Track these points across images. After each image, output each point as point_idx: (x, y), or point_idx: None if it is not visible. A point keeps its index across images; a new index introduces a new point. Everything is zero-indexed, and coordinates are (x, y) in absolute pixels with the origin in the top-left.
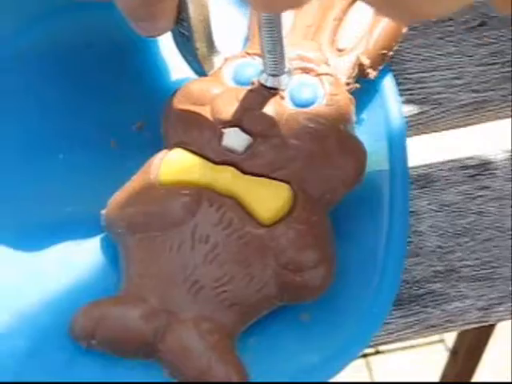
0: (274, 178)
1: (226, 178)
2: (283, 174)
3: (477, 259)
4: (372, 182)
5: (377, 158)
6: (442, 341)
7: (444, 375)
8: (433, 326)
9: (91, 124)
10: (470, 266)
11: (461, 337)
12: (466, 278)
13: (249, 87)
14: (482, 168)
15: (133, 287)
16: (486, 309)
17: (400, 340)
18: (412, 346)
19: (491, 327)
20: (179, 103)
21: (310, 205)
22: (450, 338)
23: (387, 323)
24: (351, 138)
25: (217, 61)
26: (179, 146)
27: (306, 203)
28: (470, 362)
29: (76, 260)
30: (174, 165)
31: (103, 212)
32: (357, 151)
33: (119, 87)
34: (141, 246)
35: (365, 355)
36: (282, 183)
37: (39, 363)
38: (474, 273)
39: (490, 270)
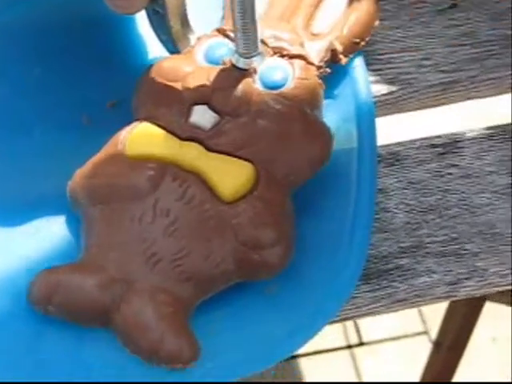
0: (238, 157)
1: (191, 154)
2: (247, 152)
3: (444, 235)
4: (340, 158)
5: (346, 137)
6: (425, 332)
7: (428, 367)
8: (401, 301)
9: (65, 102)
10: (437, 241)
11: (444, 328)
12: (433, 254)
13: (220, 67)
14: (450, 146)
15: (92, 256)
16: (454, 283)
17: (368, 314)
18: (396, 338)
19: (474, 318)
20: (150, 79)
21: (272, 184)
22: (434, 329)
23: (355, 297)
24: (317, 121)
25: (191, 39)
26: (148, 121)
27: (268, 183)
28: (453, 354)
29: (42, 232)
30: (140, 138)
31: (69, 183)
32: (322, 135)
33: (93, 65)
34: (102, 217)
35: (349, 346)
36: (245, 162)
37: (6, 334)
38: (442, 248)
39: (457, 246)
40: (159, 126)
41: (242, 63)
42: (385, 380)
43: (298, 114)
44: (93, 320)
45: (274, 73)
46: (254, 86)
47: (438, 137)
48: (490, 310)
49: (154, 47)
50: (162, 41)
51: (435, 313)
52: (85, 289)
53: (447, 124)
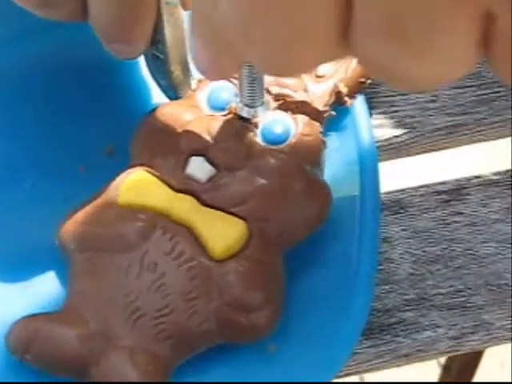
0: (232, 213)
1: (184, 207)
2: (242, 209)
3: (449, 287)
4: (342, 207)
5: (348, 184)
6: None
7: None
8: (404, 356)
9: (60, 148)
10: (442, 294)
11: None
12: (438, 307)
13: (221, 116)
14: (454, 193)
15: (73, 306)
16: (459, 338)
17: (370, 370)
18: None
19: None
20: (149, 126)
21: (264, 244)
22: None
23: (357, 353)
24: (317, 180)
25: (191, 84)
26: (143, 169)
27: (260, 242)
28: (462, 377)
29: (31, 283)
30: (133, 186)
31: (59, 229)
32: (321, 195)
33: (91, 110)
34: (88, 265)
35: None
36: (239, 219)
37: None
38: (447, 301)
39: (462, 299)
40: (154, 174)
41: (245, 113)
42: None
43: (298, 171)
44: (70, 372)
45: (276, 127)
46: (254, 139)
47: (443, 183)
48: None
49: (155, 92)
50: (161, 86)
51: None
52: (64, 340)
53: (452, 169)
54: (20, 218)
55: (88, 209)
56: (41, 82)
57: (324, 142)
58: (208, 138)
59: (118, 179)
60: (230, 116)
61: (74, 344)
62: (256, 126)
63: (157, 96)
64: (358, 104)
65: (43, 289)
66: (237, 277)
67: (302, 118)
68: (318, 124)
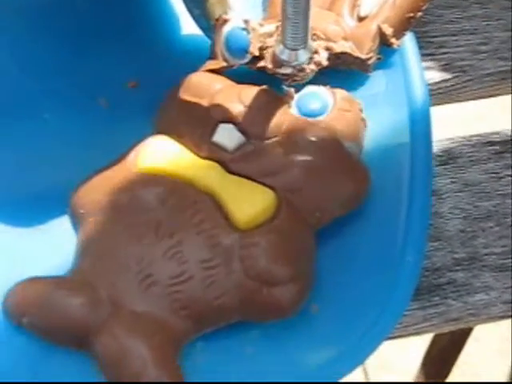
0: (261, 184)
1: (208, 174)
2: (271, 181)
3: (503, 246)
4: (391, 156)
5: (397, 130)
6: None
7: (432, 344)
8: (453, 320)
9: (79, 81)
10: (495, 253)
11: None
12: (490, 267)
13: (253, 87)
14: (509, 145)
15: (81, 271)
16: None
17: (417, 334)
18: None
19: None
20: (177, 92)
21: (294, 217)
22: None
23: (403, 315)
24: (355, 159)
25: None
26: (167, 135)
27: (290, 214)
28: (459, 332)
29: (40, 232)
30: (155, 151)
31: (71, 193)
32: (358, 174)
33: (113, 41)
34: (100, 231)
35: None
36: (267, 189)
37: None
38: (500, 262)
39: None
40: (178, 141)
41: (286, 55)
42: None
43: (334, 146)
44: (69, 341)
45: (313, 99)
46: (288, 110)
47: (496, 133)
48: None
49: (183, 23)
50: (193, 16)
51: None
52: (67, 306)
53: (506, 118)
54: (35, 153)
55: (104, 173)
56: (61, 8)
57: (364, 120)
58: (239, 106)
59: (139, 144)
60: (263, 86)
61: (78, 311)
62: (291, 96)
63: (187, 27)
64: (408, 42)
65: (49, 236)
66: (262, 248)
67: (340, 93)
68: (358, 101)
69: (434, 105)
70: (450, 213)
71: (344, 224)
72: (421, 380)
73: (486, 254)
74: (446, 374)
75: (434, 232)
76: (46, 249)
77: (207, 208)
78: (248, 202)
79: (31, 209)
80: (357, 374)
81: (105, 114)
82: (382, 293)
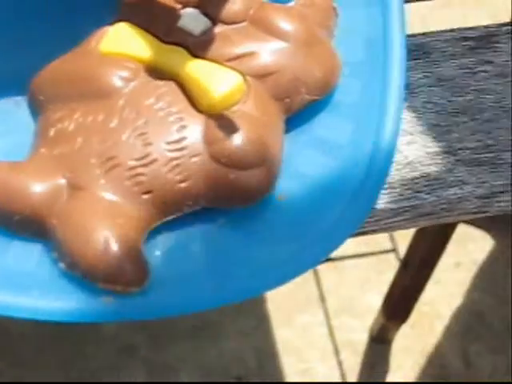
0: (229, 67)
1: (173, 58)
2: (239, 65)
3: (477, 141)
4: (365, 46)
5: (370, 21)
6: (393, 250)
7: (393, 285)
8: (426, 215)
9: None
10: (469, 148)
11: (413, 249)
12: (464, 162)
13: None
14: (483, 41)
15: (39, 156)
16: (487, 197)
17: (389, 229)
18: (363, 255)
19: (444, 240)
20: None
21: (263, 103)
22: (402, 248)
23: (374, 208)
24: (325, 43)
25: None
26: (130, 22)
27: (259, 100)
28: (421, 273)
29: None
30: (118, 36)
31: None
32: (328, 60)
33: None
34: (60, 117)
35: None
36: (235, 72)
37: None
38: (475, 156)
39: (492, 154)
40: (142, 28)
41: None
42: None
43: (304, 31)
44: (26, 227)
45: None
46: None
47: (471, 29)
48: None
49: None
50: None
51: (404, 231)
52: (23, 189)
53: (481, 14)
54: None
55: (65, 57)
56: None
57: (335, 8)
58: None
59: (101, 30)
60: None
61: (35, 195)
62: None
63: None
64: None
65: (7, 137)
66: (229, 130)
67: None
68: None
69: (408, 1)
70: (423, 107)
71: (314, 113)
72: (381, 320)
73: (460, 149)
74: (407, 315)
75: (406, 126)
76: (1, 134)
77: (173, 91)
78: (214, 84)
79: None
80: (318, 317)
81: (67, 2)
82: (352, 182)
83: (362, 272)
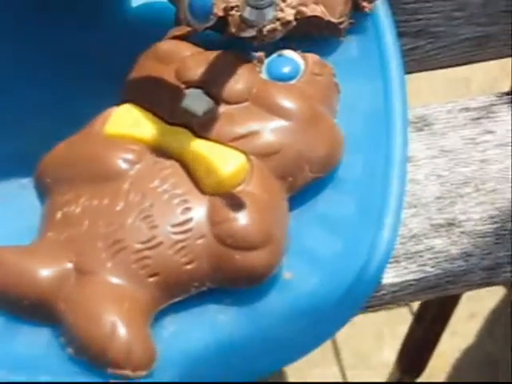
0: (232, 148)
1: (177, 139)
2: (243, 145)
3: (481, 212)
4: (367, 120)
5: (372, 98)
6: (407, 304)
7: (407, 339)
8: (431, 288)
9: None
10: (473, 219)
11: (425, 303)
12: (469, 234)
13: (220, 52)
14: (484, 111)
15: (46, 240)
16: (492, 268)
17: (394, 302)
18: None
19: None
20: (145, 59)
21: (267, 182)
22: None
23: (379, 282)
24: (327, 120)
25: None
26: (135, 103)
27: (261, 178)
28: (433, 328)
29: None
30: (123, 118)
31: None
32: (331, 138)
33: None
34: (66, 200)
35: None
36: (238, 152)
37: None
38: (479, 228)
39: (496, 225)
40: (146, 109)
41: (250, 14)
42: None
43: (306, 109)
44: (34, 312)
45: (283, 64)
46: (258, 74)
47: (471, 100)
48: None
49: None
50: None
51: None
52: (31, 275)
53: (481, 85)
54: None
55: (70, 140)
56: None
57: (336, 84)
58: (208, 70)
59: (106, 112)
60: (232, 51)
61: (43, 280)
62: (261, 61)
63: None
64: (380, 6)
65: (14, 220)
66: (233, 211)
67: (312, 57)
68: (330, 66)
69: (407, 72)
70: (426, 179)
71: (318, 190)
72: (396, 375)
73: (464, 221)
74: (422, 368)
75: (410, 199)
76: (8, 217)
77: (177, 173)
78: (218, 165)
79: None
80: (333, 370)
81: (71, 85)
82: (358, 259)
83: (375, 326)
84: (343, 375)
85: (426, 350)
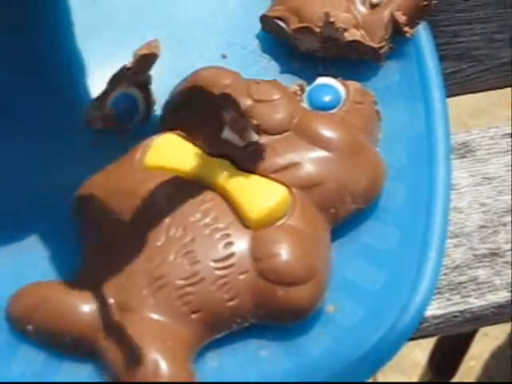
0: (274, 180)
1: (218, 171)
2: (284, 177)
3: None
4: (409, 148)
5: (413, 124)
6: None
7: (439, 341)
8: (475, 319)
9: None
10: None
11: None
12: None
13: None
14: None
15: (88, 274)
16: None
17: (437, 334)
18: None
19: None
20: (185, 87)
21: (309, 215)
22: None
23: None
24: (369, 150)
25: None
26: (175, 132)
27: (304, 212)
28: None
29: (41, 238)
30: (163, 149)
31: (78, 189)
32: (374, 168)
33: None
34: (106, 233)
35: None
36: (280, 185)
37: None
38: None
39: None
40: (187, 138)
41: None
42: None
43: (348, 139)
44: (76, 348)
45: (324, 92)
46: (299, 103)
47: None
48: None
49: None
50: None
51: None
52: (73, 311)
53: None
54: (36, 154)
55: (109, 171)
56: None
57: (378, 112)
58: (249, 100)
59: (145, 142)
60: (273, 80)
61: (86, 316)
62: (302, 90)
63: None
64: (422, 31)
65: (54, 253)
66: (276, 246)
67: (353, 85)
68: (371, 93)
69: (448, 96)
70: (469, 207)
71: (360, 220)
72: (428, 378)
73: (508, 250)
74: (454, 371)
75: (452, 228)
76: (50, 252)
77: (219, 206)
78: (260, 198)
79: (33, 211)
80: None
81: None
82: (402, 292)
83: None
84: (375, 378)
85: (459, 352)
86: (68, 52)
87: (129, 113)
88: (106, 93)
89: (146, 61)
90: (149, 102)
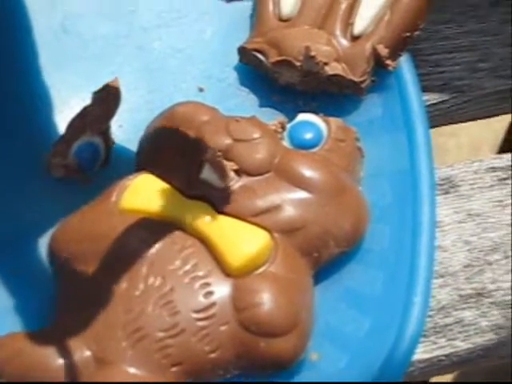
0: (254, 224)
1: (197, 215)
2: (265, 220)
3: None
4: (392, 185)
5: (395, 159)
6: None
7: None
8: (462, 362)
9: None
10: (503, 289)
11: None
12: (499, 304)
13: (240, 118)
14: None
15: (62, 325)
16: None
17: (423, 378)
18: None
19: None
20: (160, 125)
21: (291, 260)
22: None
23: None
24: (352, 190)
25: None
26: (151, 172)
27: (286, 257)
28: None
29: (14, 281)
30: (140, 191)
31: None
32: (357, 209)
33: None
34: (82, 280)
35: None
36: (261, 230)
37: None
38: (510, 297)
39: None
40: (163, 179)
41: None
42: None
43: (330, 181)
44: None
45: (306, 130)
46: (280, 142)
47: (499, 158)
48: None
49: None
50: None
51: None
52: (46, 364)
53: (508, 141)
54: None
55: (83, 214)
56: None
57: (360, 149)
58: (227, 139)
59: (120, 182)
60: (252, 117)
61: (60, 371)
62: (283, 127)
63: None
64: (404, 62)
65: (27, 303)
66: (257, 296)
67: (335, 122)
68: (353, 130)
69: (432, 126)
70: (453, 246)
71: (343, 262)
72: None
73: (494, 290)
74: None
75: (438, 267)
76: (23, 298)
77: (198, 253)
78: (242, 245)
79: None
80: None
81: None
82: (387, 338)
83: None
84: None
85: None
86: (32, 86)
87: (91, 161)
88: (67, 141)
89: (107, 103)
90: (108, 145)
